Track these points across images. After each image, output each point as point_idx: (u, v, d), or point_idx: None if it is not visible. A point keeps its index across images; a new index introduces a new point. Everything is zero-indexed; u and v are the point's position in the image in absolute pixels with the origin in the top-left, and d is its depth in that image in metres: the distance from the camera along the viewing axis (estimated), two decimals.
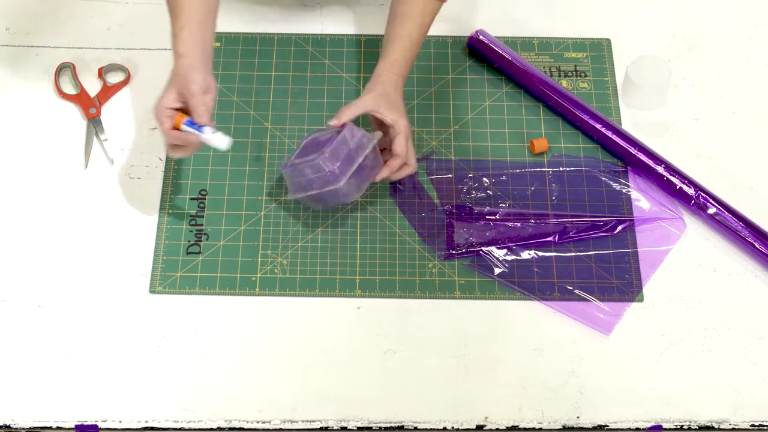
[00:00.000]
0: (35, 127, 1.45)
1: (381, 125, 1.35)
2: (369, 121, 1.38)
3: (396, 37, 1.38)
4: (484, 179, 1.41)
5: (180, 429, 1.24)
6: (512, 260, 1.35)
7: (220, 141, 1.25)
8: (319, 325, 1.30)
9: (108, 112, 1.47)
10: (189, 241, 1.36)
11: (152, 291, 1.32)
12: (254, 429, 1.24)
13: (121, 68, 1.50)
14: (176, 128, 1.25)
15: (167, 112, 1.25)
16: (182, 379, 1.26)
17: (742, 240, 1.35)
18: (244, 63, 1.51)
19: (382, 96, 1.34)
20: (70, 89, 1.48)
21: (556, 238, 1.36)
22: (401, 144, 1.33)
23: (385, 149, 1.36)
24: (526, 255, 1.35)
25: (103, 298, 1.32)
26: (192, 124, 1.25)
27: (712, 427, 1.25)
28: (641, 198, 1.40)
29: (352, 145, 1.30)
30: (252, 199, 1.40)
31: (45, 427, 1.24)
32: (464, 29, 1.55)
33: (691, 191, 1.38)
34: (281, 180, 1.40)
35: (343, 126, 1.31)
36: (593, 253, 1.36)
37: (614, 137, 1.43)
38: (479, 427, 1.24)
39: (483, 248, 1.35)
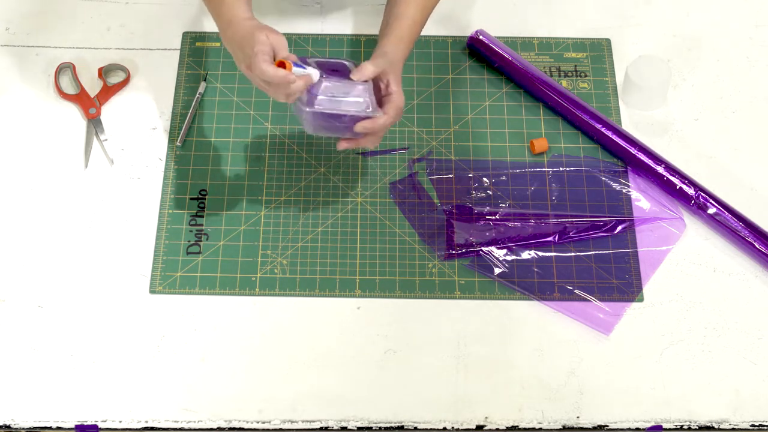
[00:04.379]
0: (35, 127, 1.45)
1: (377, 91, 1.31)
2: None
3: (400, 16, 1.35)
4: (484, 179, 1.41)
5: (180, 429, 1.24)
6: (512, 260, 1.35)
7: (315, 75, 1.25)
8: (319, 325, 1.31)
9: (108, 112, 1.47)
10: (189, 241, 1.36)
11: (152, 291, 1.32)
12: (254, 429, 1.24)
13: (121, 68, 1.50)
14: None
15: (278, 71, 1.21)
16: (182, 379, 1.26)
17: (742, 240, 1.35)
18: None
19: (393, 64, 1.31)
20: (70, 89, 1.48)
21: (556, 238, 1.36)
22: (391, 116, 1.28)
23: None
24: (526, 255, 1.35)
25: (103, 298, 1.31)
26: (299, 65, 1.23)
27: (712, 427, 1.25)
28: (641, 198, 1.40)
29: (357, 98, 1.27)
30: (252, 199, 1.40)
31: (45, 427, 1.24)
32: (464, 29, 1.55)
33: (691, 191, 1.38)
34: (281, 180, 1.40)
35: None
36: (593, 253, 1.36)
37: (614, 137, 1.43)
38: (479, 427, 1.24)
39: (483, 248, 1.35)
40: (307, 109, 1.25)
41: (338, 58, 1.32)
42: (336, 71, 1.28)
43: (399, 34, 1.34)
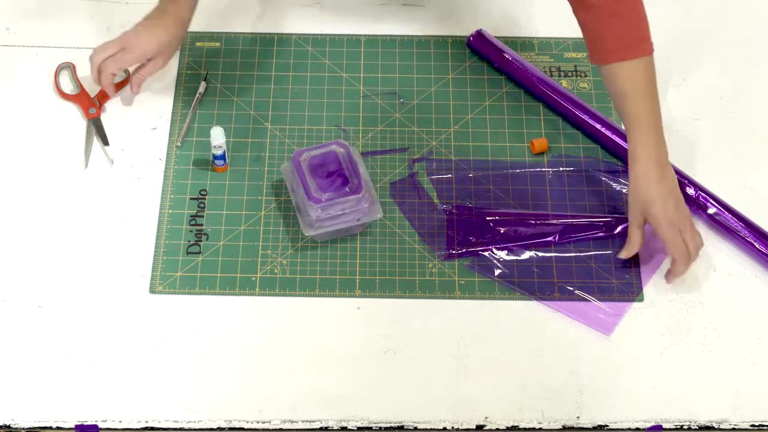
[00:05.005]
0: (35, 127, 1.45)
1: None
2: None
3: (632, 116, 1.31)
4: (484, 179, 1.41)
5: (180, 429, 1.24)
6: (512, 260, 1.35)
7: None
8: (319, 325, 1.30)
9: (108, 112, 1.46)
10: (189, 241, 1.36)
11: (152, 291, 1.32)
12: (254, 429, 1.24)
13: None
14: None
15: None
16: (182, 379, 1.26)
17: (742, 240, 1.35)
18: (244, 63, 1.51)
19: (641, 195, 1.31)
20: (70, 89, 1.48)
21: (556, 238, 1.36)
22: (661, 233, 1.30)
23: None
24: (526, 255, 1.35)
25: (103, 298, 1.31)
26: None
27: (712, 427, 1.25)
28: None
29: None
30: (252, 199, 1.40)
31: (45, 427, 1.24)
32: (464, 29, 1.55)
33: (691, 191, 1.38)
34: (281, 180, 1.40)
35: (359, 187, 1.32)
36: (593, 253, 1.36)
37: (614, 137, 1.42)
38: (479, 427, 1.24)
39: (482, 248, 1.35)
40: (312, 233, 1.32)
41: (327, 146, 1.35)
42: (325, 165, 1.33)
43: (642, 151, 1.31)
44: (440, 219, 1.37)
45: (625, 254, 1.32)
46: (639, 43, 1.29)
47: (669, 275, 1.32)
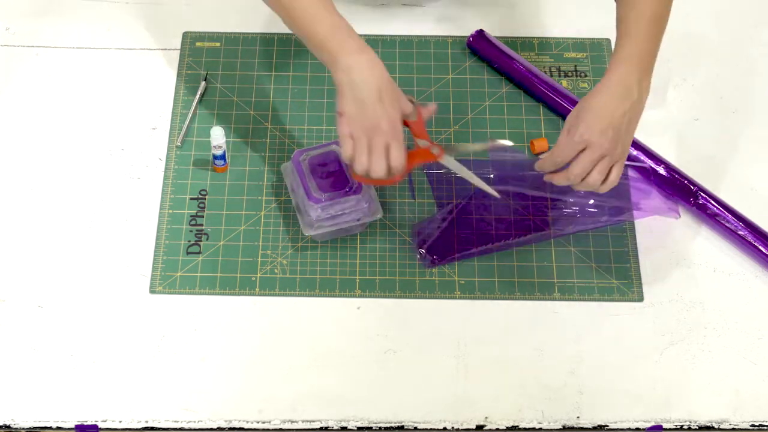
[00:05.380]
0: (35, 127, 1.45)
1: None
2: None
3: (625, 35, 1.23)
4: (484, 179, 1.41)
5: (180, 429, 1.24)
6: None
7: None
8: (319, 325, 1.30)
9: (108, 111, 1.46)
10: (189, 241, 1.36)
11: (152, 291, 1.32)
12: (254, 429, 1.24)
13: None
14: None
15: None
16: (182, 379, 1.26)
17: (742, 240, 1.35)
18: (244, 63, 1.51)
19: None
20: None
21: (554, 231, 1.35)
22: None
23: None
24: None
25: (103, 298, 1.31)
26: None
27: (712, 427, 1.25)
28: (641, 198, 1.40)
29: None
30: (252, 199, 1.40)
31: (45, 427, 1.24)
32: (464, 29, 1.55)
33: (691, 191, 1.38)
34: (281, 180, 1.40)
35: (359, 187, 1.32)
36: (593, 250, 1.36)
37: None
38: (479, 427, 1.24)
39: (476, 249, 1.35)
40: (312, 233, 1.32)
41: (327, 146, 1.35)
42: (325, 165, 1.33)
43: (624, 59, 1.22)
44: (431, 226, 1.36)
45: (541, 165, 1.24)
46: None
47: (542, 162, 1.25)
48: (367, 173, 1.21)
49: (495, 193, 1.28)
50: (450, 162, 1.29)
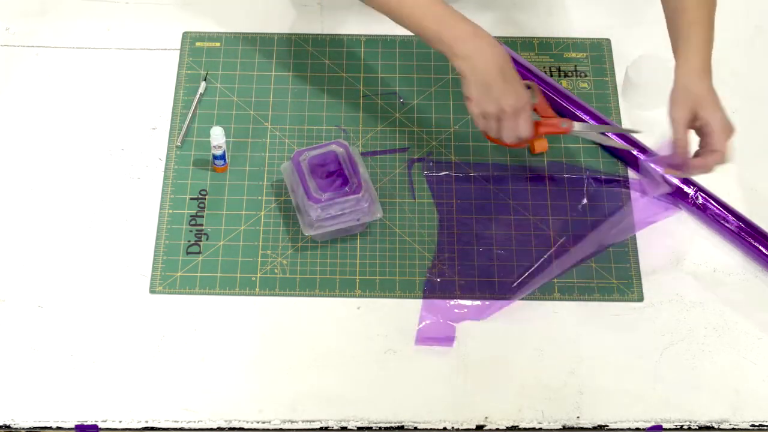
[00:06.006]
0: (35, 127, 1.45)
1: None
2: None
3: (689, 24, 1.27)
4: (484, 179, 1.41)
5: (180, 429, 1.24)
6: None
7: None
8: (319, 325, 1.30)
9: (108, 111, 1.46)
10: (189, 241, 1.36)
11: (152, 291, 1.32)
12: (254, 429, 1.24)
13: None
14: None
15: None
16: (182, 379, 1.26)
17: (742, 240, 1.35)
18: (244, 63, 1.51)
19: (699, 98, 1.25)
20: None
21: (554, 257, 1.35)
22: (719, 141, 1.24)
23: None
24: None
25: (103, 298, 1.31)
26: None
27: (712, 427, 1.25)
28: (641, 198, 1.40)
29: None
30: (252, 199, 1.40)
31: (45, 427, 1.24)
32: None
33: (690, 191, 1.38)
34: (281, 180, 1.40)
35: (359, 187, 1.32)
36: (593, 251, 1.36)
37: (614, 137, 1.42)
38: (479, 427, 1.24)
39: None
40: (312, 233, 1.32)
41: (327, 146, 1.35)
42: (324, 165, 1.33)
43: (695, 54, 1.26)
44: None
45: (674, 159, 1.26)
46: None
47: (687, 168, 1.28)
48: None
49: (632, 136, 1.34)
50: (581, 129, 1.35)
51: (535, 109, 1.33)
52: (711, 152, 1.25)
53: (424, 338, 1.29)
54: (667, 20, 1.32)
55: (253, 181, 1.41)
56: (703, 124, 1.25)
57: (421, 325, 1.29)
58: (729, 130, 1.26)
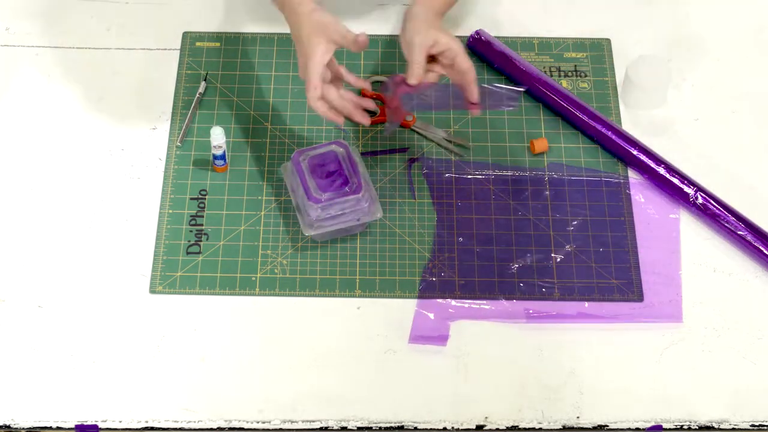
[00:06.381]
0: (35, 127, 1.45)
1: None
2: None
3: None
4: (484, 179, 1.41)
5: (180, 429, 1.24)
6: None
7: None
8: (319, 325, 1.30)
9: (108, 111, 1.46)
10: (189, 241, 1.36)
11: (152, 291, 1.32)
12: (254, 429, 1.24)
13: None
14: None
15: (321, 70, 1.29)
16: (182, 379, 1.26)
17: (742, 240, 1.35)
18: (244, 63, 1.51)
19: (428, 26, 1.33)
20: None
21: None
22: (466, 60, 1.32)
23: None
24: (528, 261, 1.35)
25: (103, 298, 1.32)
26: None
27: (712, 427, 1.25)
28: (641, 198, 1.40)
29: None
30: (252, 199, 1.40)
31: (45, 427, 1.24)
32: (464, 29, 1.55)
33: (690, 191, 1.38)
34: (281, 180, 1.40)
35: (359, 187, 1.32)
36: (593, 250, 1.36)
37: (614, 137, 1.42)
38: (479, 427, 1.24)
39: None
40: (312, 233, 1.32)
41: (327, 146, 1.36)
42: (324, 165, 1.34)
43: None
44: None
45: (413, 80, 1.32)
46: None
47: (471, 104, 1.34)
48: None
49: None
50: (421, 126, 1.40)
51: (383, 101, 1.41)
52: (464, 71, 1.32)
53: (417, 337, 1.29)
54: None
55: (253, 181, 1.41)
56: (446, 49, 1.31)
57: (414, 324, 1.29)
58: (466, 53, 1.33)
